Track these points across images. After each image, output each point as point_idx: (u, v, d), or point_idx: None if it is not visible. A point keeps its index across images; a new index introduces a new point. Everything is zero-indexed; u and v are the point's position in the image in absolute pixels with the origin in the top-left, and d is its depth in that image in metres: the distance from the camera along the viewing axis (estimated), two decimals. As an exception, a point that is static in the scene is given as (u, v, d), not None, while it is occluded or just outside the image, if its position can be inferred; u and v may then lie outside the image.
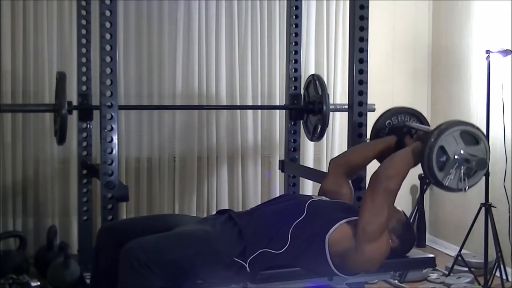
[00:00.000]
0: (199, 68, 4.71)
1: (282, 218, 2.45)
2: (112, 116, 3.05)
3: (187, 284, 2.33)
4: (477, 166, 2.37)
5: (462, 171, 2.36)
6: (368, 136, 3.05)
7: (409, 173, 2.47)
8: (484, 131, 3.95)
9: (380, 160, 2.69)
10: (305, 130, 4.01)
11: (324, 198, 2.64)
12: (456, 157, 2.36)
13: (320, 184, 2.89)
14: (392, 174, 2.37)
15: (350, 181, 2.78)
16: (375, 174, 2.41)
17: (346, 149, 3.15)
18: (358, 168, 2.84)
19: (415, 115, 2.86)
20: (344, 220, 2.44)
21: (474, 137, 2.40)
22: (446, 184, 2.36)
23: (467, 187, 2.38)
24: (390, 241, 2.45)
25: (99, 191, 3.37)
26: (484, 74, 4.13)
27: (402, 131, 2.75)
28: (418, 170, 2.32)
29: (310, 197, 2.62)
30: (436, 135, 2.35)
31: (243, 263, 2.36)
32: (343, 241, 2.39)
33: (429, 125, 2.84)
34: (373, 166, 2.59)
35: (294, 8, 4.03)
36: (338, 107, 4.23)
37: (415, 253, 2.71)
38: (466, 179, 2.37)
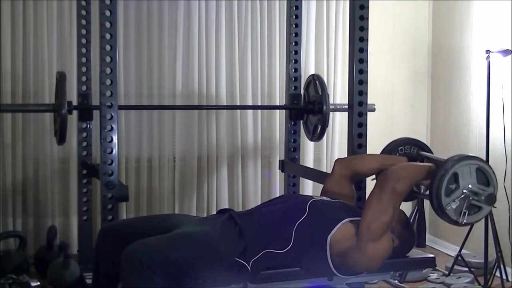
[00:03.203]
0: (199, 68, 4.71)
1: (284, 218, 2.45)
2: (112, 116, 3.05)
3: (189, 284, 2.33)
4: (485, 200, 2.43)
5: (465, 204, 2.41)
6: (368, 136, 3.07)
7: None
8: (484, 131, 4.01)
9: None
10: (305, 130, 4.01)
11: (325, 198, 2.63)
12: (464, 190, 2.41)
13: (320, 185, 2.89)
14: (401, 176, 2.39)
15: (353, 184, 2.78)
16: (384, 173, 2.41)
17: (346, 149, 3.15)
18: (363, 176, 2.84)
19: (423, 148, 2.87)
20: (346, 220, 2.44)
21: (488, 178, 2.47)
22: (446, 211, 2.40)
23: (464, 222, 2.42)
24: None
25: (99, 191, 3.37)
26: (484, 74, 4.13)
27: (414, 160, 2.75)
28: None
29: (311, 197, 2.62)
30: (454, 160, 2.40)
31: (244, 263, 2.36)
32: (344, 241, 2.39)
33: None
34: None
35: (294, 8, 4.04)
36: (338, 107, 4.22)
37: (415, 253, 2.71)
38: (466, 214, 2.41)
